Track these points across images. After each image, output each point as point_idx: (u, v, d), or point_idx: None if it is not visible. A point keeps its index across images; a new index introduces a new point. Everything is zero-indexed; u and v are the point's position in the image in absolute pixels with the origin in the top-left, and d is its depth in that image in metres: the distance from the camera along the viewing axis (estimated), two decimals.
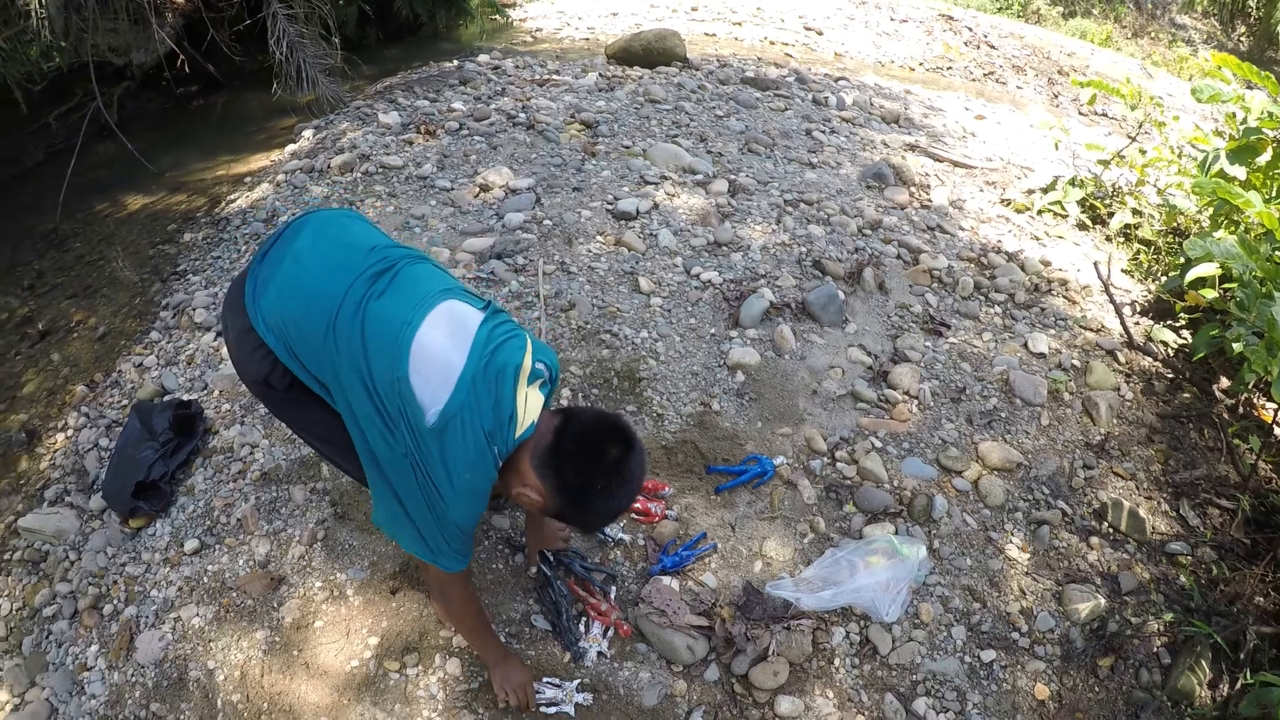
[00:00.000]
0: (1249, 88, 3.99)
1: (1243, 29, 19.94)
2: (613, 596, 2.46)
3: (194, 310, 3.76)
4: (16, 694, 2.52)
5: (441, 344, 1.79)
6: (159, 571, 2.73)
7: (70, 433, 3.36)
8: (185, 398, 3.27)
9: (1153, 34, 20.07)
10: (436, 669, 2.36)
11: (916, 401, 3.17)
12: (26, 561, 2.92)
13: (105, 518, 2.96)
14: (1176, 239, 4.31)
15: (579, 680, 2.31)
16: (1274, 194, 3.54)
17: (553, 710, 2.26)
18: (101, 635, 2.62)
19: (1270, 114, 3.57)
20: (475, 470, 1.78)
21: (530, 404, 1.85)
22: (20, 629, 2.71)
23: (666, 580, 2.48)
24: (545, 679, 2.31)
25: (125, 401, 3.42)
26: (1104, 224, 4.64)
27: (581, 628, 2.40)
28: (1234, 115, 4.01)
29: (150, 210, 5.11)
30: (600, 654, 2.36)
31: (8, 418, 3.60)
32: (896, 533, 2.66)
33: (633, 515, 2.67)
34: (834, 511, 2.78)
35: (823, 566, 2.49)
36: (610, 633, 2.40)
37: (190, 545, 2.75)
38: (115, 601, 2.70)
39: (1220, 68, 3.90)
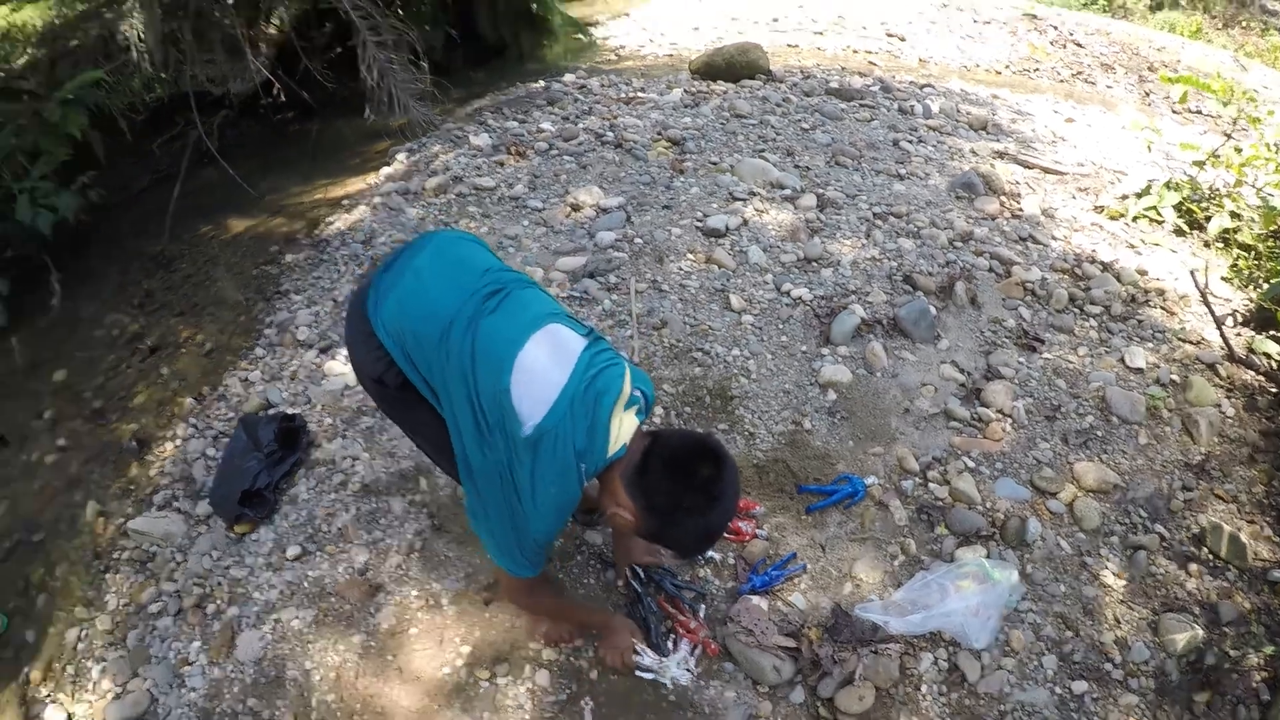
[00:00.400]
0: None
1: None
2: (701, 615, 2.48)
3: (297, 328, 3.89)
4: (119, 684, 2.63)
5: (545, 363, 1.88)
6: (261, 575, 2.84)
7: (179, 442, 3.51)
8: (289, 411, 3.39)
9: (1244, 23, 19.28)
10: (526, 679, 2.42)
11: (1010, 420, 3.12)
12: (135, 561, 3.06)
13: (211, 523, 3.08)
14: (1278, 243, 4.15)
15: (680, 658, 2.39)
16: None
17: (649, 677, 2.37)
18: (204, 633, 2.73)
19: None
20: (560, 485, 1.85)
21: (625, 427, 1.92)
22: (126, 624, 2.83)
23: (755, 600, 2.49)
24: (649, 649, 2.40)
25: (231, 414, 3.55)
26: (1202, 229, 4.48)
27: (670, 645, 2.42)
28: None
29: (253, 232, 5.27)
30: (687, 671, 2.38)
31: (120, 427, 3.77)
32: (988, 556, 2.63)
33: (724, 536, 2.68)
34: (925, 533, 2.76)
35: (912, 589, 2.48)
36: (698, 650, 2.42)
37: (292, 551, 2.86)
38: (218, 602, 2.81)
39: None
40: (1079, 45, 8.82)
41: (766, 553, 2.65)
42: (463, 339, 1.91)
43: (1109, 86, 7.82)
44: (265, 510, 3.03)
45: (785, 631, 2.44)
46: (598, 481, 1.96)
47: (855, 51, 7.72)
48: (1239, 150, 4.51)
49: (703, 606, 2.52)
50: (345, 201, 5.25)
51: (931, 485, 2.88)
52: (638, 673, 2.36)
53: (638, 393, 2.00)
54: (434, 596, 2.64)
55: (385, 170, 5.47)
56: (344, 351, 3.60)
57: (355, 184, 5.56)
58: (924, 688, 2.39)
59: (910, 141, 5.19)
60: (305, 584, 2.76)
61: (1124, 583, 2.66)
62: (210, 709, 2.54)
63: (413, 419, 2.29)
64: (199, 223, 5.48)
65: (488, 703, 2.39)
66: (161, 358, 4.21)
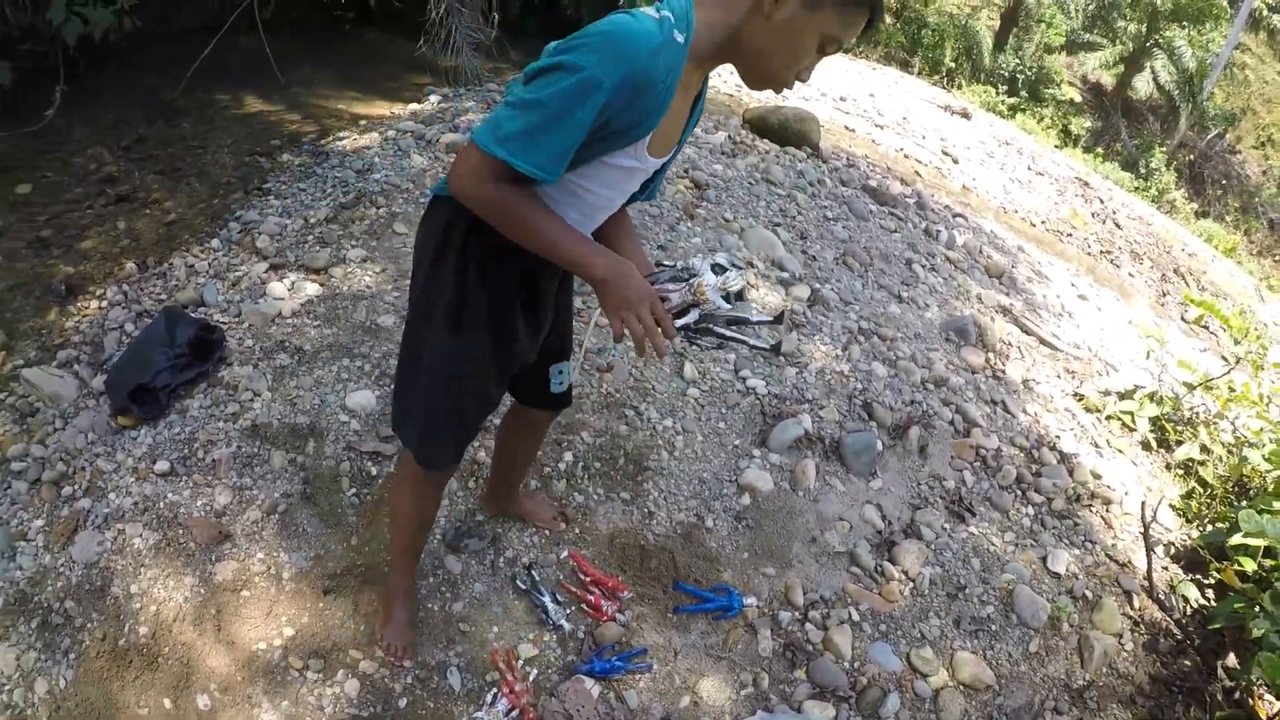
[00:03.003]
0: None
1: None
2: (531, 678, 2.36)
3: (259, 234, 3.79)
4: None
5: None
6: (125, 478, 2.74)
7: (105, 305, 3.43)
8: (214, 319, 3.27)
9: (1277, 257, 19.74)
10: (336, 684, 2.31)
11: (911, 585, 3.01)
12: (17, 410, 3.00)
13: (100, 400, 2.99)
14: (1237, 488, 4.10)
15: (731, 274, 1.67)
16: None
17: (686, 320, 1.64)
18: (50, 513, 2.65)
19: None
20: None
21: None
22: None
23: (588, 684, 2.36)
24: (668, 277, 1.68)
25: (165, 296, 3.46)
26: (1169, 450, 4.43)
27: (489, 698, 2.30)
28: None
29: (263, 118, 5.19)
30: None
31: (57, 266, 3.68)
32: (836, 717, 2.52)
33: (582, 607, 2.57)
34: (784, 672, 2.63)
35: None
36: (515, 713, 2.29)
37: (161, 466, 2.75)
38: (75, 487, 2.72)
39: None
40: (1117, 226, 8.85)
41: (619, 639, 2.53)
42: None
43: (1131, 275, 7.84)
44: (153, 411, 2.93)
45: None
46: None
47: (906, 156, 7.68)
48: (1232, 389, 4.48)
49: (534, 671, 2.39)
50: (363, 122, 5.17)
51: (809, 626, 2.76)
52: (678, 338, 1.65)
53: None
54: (277, 566, 2.53)
55: (414, 106, 5.38)
56: (293, 277, 3.49)
57: (380, 108, 5.48)
58: None
59: (924, 266, 5.13)
60: (161, 505, 2.66)
61: None
62: (29, 594, 2.47)
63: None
64: (218, 88, 5.43)
65: (291, 694, 2.28)
66: (124, 210, 4.14)
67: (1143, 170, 19.09)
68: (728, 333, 1.64)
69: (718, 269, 1.65)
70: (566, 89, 1.39)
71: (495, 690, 2.34)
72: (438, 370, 1.84)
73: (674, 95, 1.51)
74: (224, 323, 3.29)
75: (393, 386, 2.07)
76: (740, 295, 1.67)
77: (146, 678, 2.30)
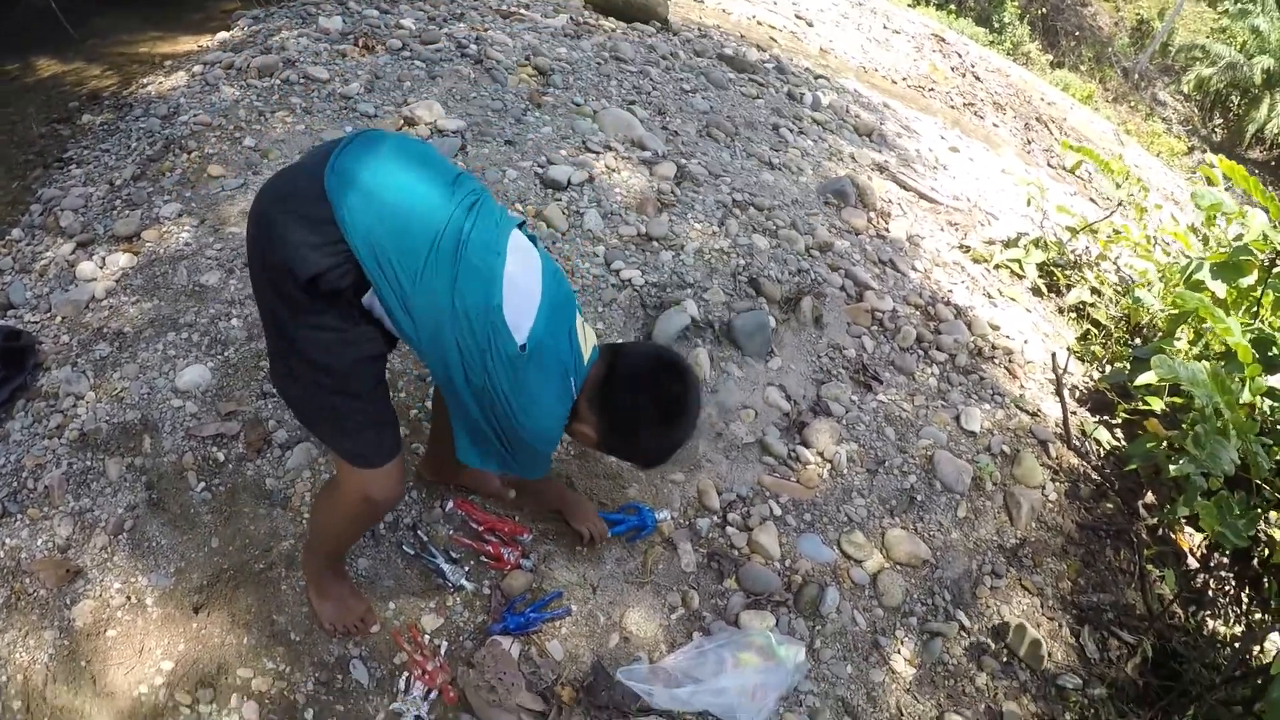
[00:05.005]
0: (1247, 201, 3.81)
1: (1219, 120, 20.50)
2: (443, 652, 2.09)
3: (62, 211, 3.31)
4: None
5: (521, 274, 1.75)
6: None
7: None
8: (20, 324, 2.84)
9: (1132, 103, 20.52)
10: (232, 710, 2.01)
11: (830, 466, 2.83)
12: None
13: None
14: (1131, 328, 4.08)
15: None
16: (1248, 317, 3.32)
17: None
18: None
19: (1265, 236, 3.33)
20: (558, 396, 1.80)
21: (587, 337, 1.88)
22: None
23: (506, 644, 2.11)
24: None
25: None
26: (1059, 294, 4.38)
27: (402, 684, 2.05)
28: (1215, 220, 3.80)
29: (60, 80, 4.64)
30: (417, 718, 2.00)
31: None
32: (777, 624, 2.33)
33: (481, 560, 2.29)
34: (713, 585, 2.42)
35: (686, 656, 2.15)
36: (433, 695, 2.04)
37: None
38: None
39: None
40: (977, 78, 8.82)
41: (529, 587, 2.26)
42: (452, 253, 1.65)
43: (995, 125, 7.82)
44: None
45: (535, 687, 2.07)
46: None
47: (760, 23, 7.42)
48: (1116, 231, 4.44)
49: (444, 643, 2.13)
50: (168, 63, 4.65)
51: (730, 530, 2.56)
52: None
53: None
54: (138, 593, 2.18)
55: (222, 35, 4.86)
56: (102, 251, 3.06)
57: (186, 44, 4.95)
58: None
59: (791, 130, 4.90)
60: (1, 555, 2.26)
61: (914, 670, 2.42)
62: None
63: (320, 339, 1.67)
64: (5, 59, 4.82)
65: None
66: None
67: (996, 25, 19.29)
68: None
69: None
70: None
71: (407, 674, 2.08)
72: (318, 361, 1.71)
73: None
74: (35, 321, 2.86)
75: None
76: None
77: None
